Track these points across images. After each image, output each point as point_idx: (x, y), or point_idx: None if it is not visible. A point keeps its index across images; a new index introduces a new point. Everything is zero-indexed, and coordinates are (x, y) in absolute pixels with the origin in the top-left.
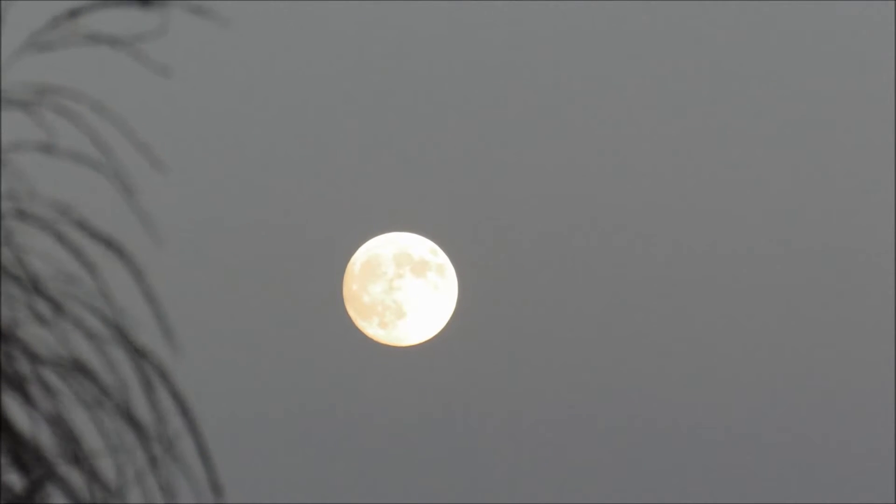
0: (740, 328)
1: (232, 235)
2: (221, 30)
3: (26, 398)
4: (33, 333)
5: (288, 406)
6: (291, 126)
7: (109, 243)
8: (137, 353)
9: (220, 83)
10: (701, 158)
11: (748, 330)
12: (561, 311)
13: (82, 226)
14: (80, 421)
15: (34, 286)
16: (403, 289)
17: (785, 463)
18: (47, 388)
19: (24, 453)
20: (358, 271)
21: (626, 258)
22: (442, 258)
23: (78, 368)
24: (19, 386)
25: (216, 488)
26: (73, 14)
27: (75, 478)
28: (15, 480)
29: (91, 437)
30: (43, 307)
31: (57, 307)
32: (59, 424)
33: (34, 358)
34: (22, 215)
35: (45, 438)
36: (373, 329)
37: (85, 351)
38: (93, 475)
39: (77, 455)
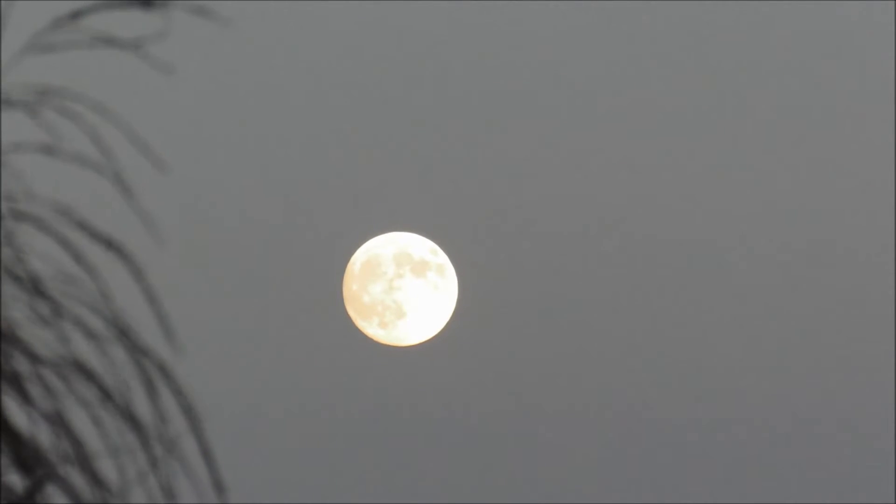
0: (741, 328)
1: (232, 235)
2: (222, 30)
3: (27, 398)
4: (34, 334)
5: (288, 406)
6: (291, 126)
7: (110, 244)
8: (139, 352)
9: (220, 83)
10: (701, 158)
11: (748, 330)
12: (561, 310)
13: (83, 226)
14: (81, 421)
15: (35, 286)
16: (403, 289)
17: (785, 463)
18: (48, 389)
19: (24, 454)
20: (358, 271)
21: (626, 258)
22: (442, 258)
23: (79, 369)
24: (20, 386)
25: (219, 488)
26: (75, 15)
27: (76, 478)
28: (16, 481)
29: (92, 438)
30: (44, 307)
31: (57, 307)
32: (59, 425)
33: (35, 358)
34: (22, 216)
35: (45, 439)
36: (373, 329)
37: (86, 351)
38: (94, 476)
39: (78, 456)
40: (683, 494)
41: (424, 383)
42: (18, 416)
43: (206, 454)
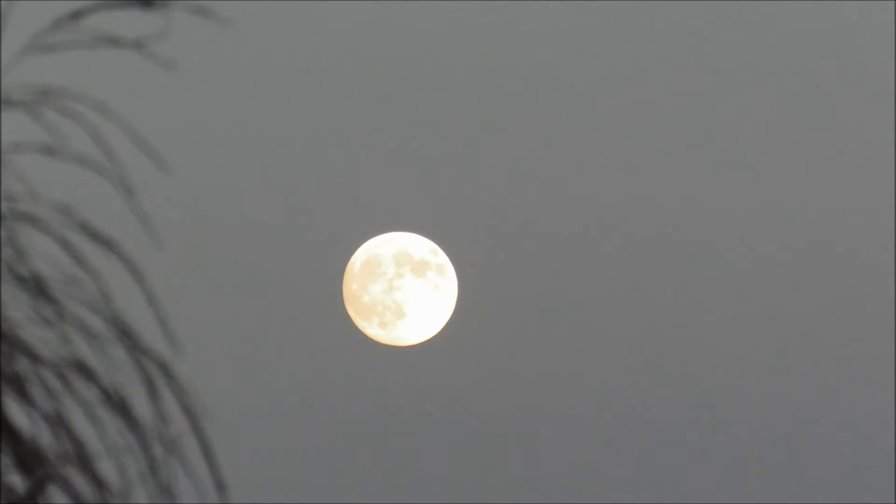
0: (741, 328)
1: (232, 235)
2: (222, 30)
3: (28, 399)
4: (35, 334)
5: (288, 406)
6: (291, 126)
7: (110, 244)
8: (140, 352)
9: (220, 83)
10: (701, 158)
11: (748, 330)
12: (561, 310)
13: (84, 227)
14: (82, 422)
15: (38, 287)
16: (403, 289)
17: (785, 463)
18: (48, 389)
19: (25, 454)
20: (358, 271)
21: (626, 258)
22: (442, 258)
23: (79, 369)
24: (20, 387)
25: (220, 487)
26: (75, 15)
27: (77, 479)
28: (16, 481)
29: (93, 438)
30: (46, 308)
31: (60, 308)
32: (60, 425)
33: (35, 358)
34: (24, 216)
35: (46, 439)
36: (373, 329)
37: (86, 352)
38: (95, 476)
39: (79, 456)
40: (683, 494)
41: (424, 383)
42: (19, 416)
43: (207, 454)
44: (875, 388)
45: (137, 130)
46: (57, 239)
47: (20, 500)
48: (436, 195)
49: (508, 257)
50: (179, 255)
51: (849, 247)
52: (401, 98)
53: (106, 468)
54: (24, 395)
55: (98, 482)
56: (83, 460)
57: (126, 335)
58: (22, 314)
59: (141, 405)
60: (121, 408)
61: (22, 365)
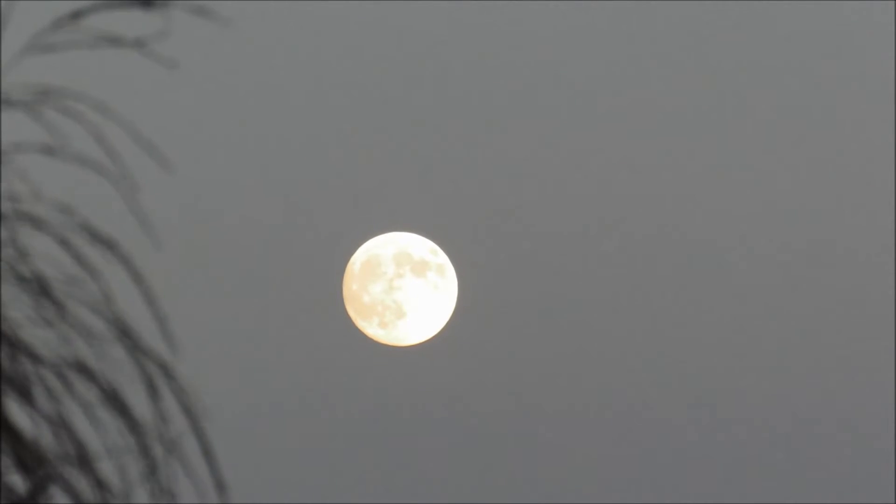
0: (741, 328)
1: (232, 235)
2: (222, 30)
3: (29, 400)
4: (36, 335)
5: (288, 406)
6: (291, 126)
7: (111, 244)
8: (141, 353)
9: (220, 83)
10: (701, 158)
11: (748, 330)
12: (561, 310)
13: (84, 227)
14: (83, 422)
15: (40, 287)
16: (403, 289)
17: (785, 463)
18: (49, 390)
19: (26, 455)
20: (358, 271)
21: (626, 258)
22: (442, 258)
23: (80, 369)
24: (22, 387)
25: (220, 488)
26: (75, 15)
27: (78, 479)
28: (17, 482)
29: (93, 439)
30: (47, 308)
31: (62, 308)
32: (61, 426)
33: (36, 359)
34: (24, 216)
35: (47, 440)
36: (373, 329)
37: (87, 352)
38: (96, 477)
39: (80, 457)
40: (683, 494)
41: (424, 383)
42: (20, 417)
43: (208, 454)
44: (875, 388)
45: (138, 129)
46: (57, 239)
47: (21, 500)
48: (436, 195)
49: (508, 257)
50: (179, 255)
51: (849, 247)
52: (401, 98)
53: (106, 468)
54: (24, 395)
55: (99, 483)
56: (84, 461)
57: (126, 335)
58: (22, 314)
59: (141, 405)
60: (121, 408)
61: (22, 365)
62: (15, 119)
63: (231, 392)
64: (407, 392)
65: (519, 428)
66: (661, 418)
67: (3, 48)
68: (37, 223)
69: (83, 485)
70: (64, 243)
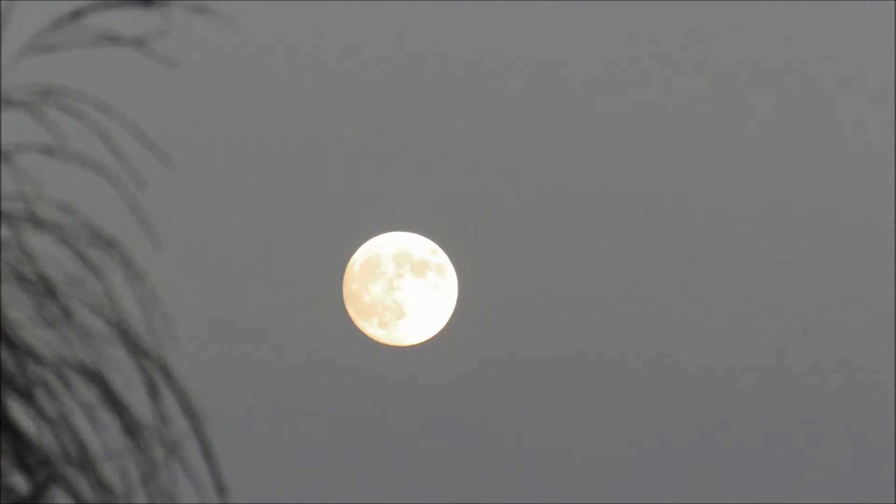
0: (741, 328)
1: (232, 235)
2: (222, 30)
3: (30, 400)
4: (36, 335)
5: (288, 406)
6: (292, 126)
7: (112, 244)
8: (141, 354)
9: (220, 83)
10: (701, 158)
11: (748, 330)
12: (561, 310)
13: (85, 227)
14: (84, 423)
15: (45, 287)
16: (403, 289)
17: (785, 463)
18: (51, 391)
19: (27, 455)
20: (358, 271)
21: (626, 258)
22: (442, 258)
23: (81, 370)
24: (23, 388)
25: (220, 488)
26: (76, 15)
27: (79, 480)
28: (19, 482)
29: (95, 440)
30: (50, 308)
31: (64, 308)
32: (62, 427)
33: (37, 360)
34: (25, 216)
35: (48, 441)
36: (373, 329)
37: (89, 353)
38: (97, 478)
39: (81, 457)
40: (683, 494)
41: (424, 383)
42: (21, 417)
43: (208, 455)
44: (875, 388)
45: (141, 128)
46: (58, 239)
47: (22, 500)
48: (436, 195)
49: (508, 257)
50: (179, 255)
51: (849, 247)
52: (401, 98)
53: (107, 469)
54: (26, 396)
55: (100, 483)
56: (85, 461)
57: (127, 336)
58: (23, 315)
59: (142, 406)
60: (121, 409)
61: (24, 366)
62: (15, 119)
63: (231, 392)
64: (407, 392)
65: (519, 428)
66: (661, 418)
67: (3, 48)
68: (37, 223)
69: (84, 485)
70: (65, 243)
